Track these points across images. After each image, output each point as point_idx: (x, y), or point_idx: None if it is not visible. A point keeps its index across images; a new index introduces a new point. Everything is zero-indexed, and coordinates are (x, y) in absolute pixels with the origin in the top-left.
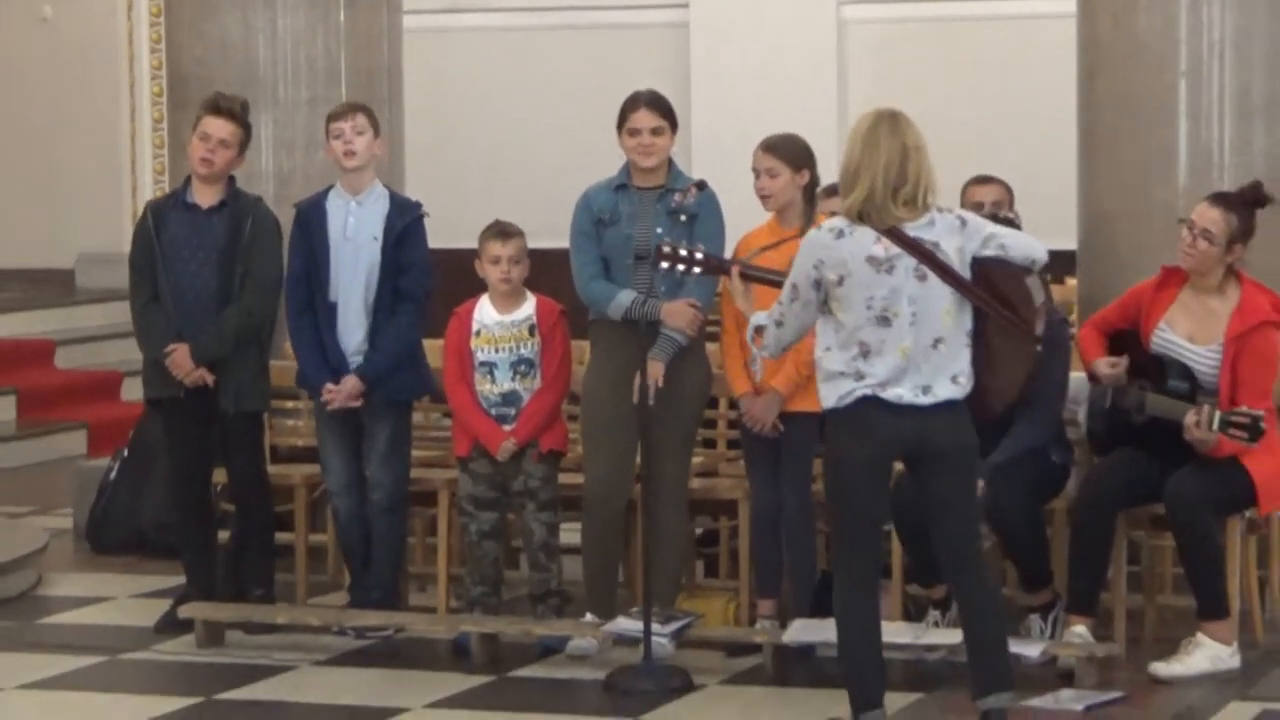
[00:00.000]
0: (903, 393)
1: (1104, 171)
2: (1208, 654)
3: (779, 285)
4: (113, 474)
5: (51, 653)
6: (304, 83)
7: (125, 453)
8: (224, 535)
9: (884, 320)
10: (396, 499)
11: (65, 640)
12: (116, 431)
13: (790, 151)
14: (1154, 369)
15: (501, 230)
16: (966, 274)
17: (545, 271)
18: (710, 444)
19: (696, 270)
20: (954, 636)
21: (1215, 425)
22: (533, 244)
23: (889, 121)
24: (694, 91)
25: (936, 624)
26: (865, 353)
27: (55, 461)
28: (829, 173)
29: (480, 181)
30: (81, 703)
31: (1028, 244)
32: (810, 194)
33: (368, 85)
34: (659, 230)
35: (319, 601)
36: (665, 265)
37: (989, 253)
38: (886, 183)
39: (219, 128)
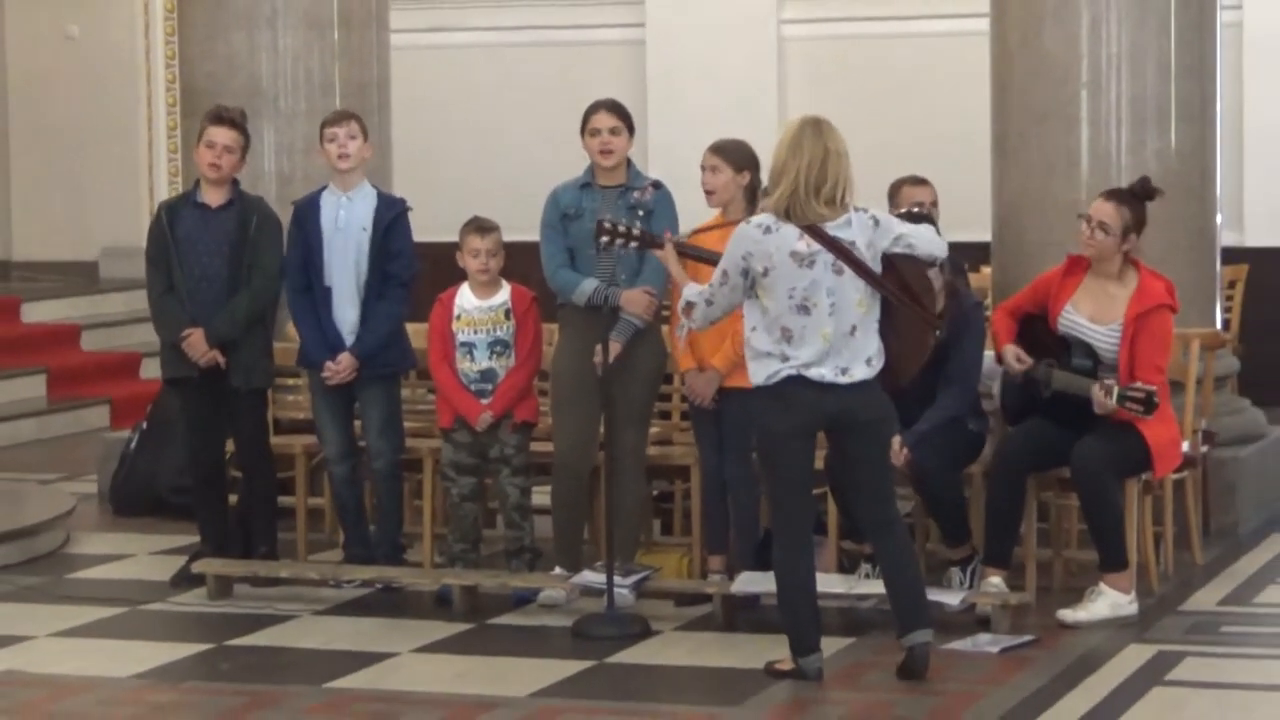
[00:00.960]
0: (824, 372)
1: (1014, 172)
2: (1109, 602)
3: (708, 262)
4: (133, 444)
5: (78, 604)
6: (302, 94)
7: (144, 425)
8: (233, 499)
9: (804, 309)
10: (395, 466)
11: (91, 593)
12: (136, 406)
13: (734, 154)
14: (1060, 348)
15: (480, 225)
16: (878, 267)
17: (518, 261)
18: (665, 415)
19: (634, 245)
20: (883, 587)
21: (1114, 399)
22: (506, 237)
23: (812, 127)
24: (649, 101)
25: (868, 575)
26: (789, 338)
27: (81, 433)
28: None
29: (460, 182)
30: (105, 649)
31: (931, 241)
32: (752, 194)
33: (359, 97)
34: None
35: (318, 558)
36: (605, 239)
37: (898, 250)
38: (808, 182)
39: (223, 135)
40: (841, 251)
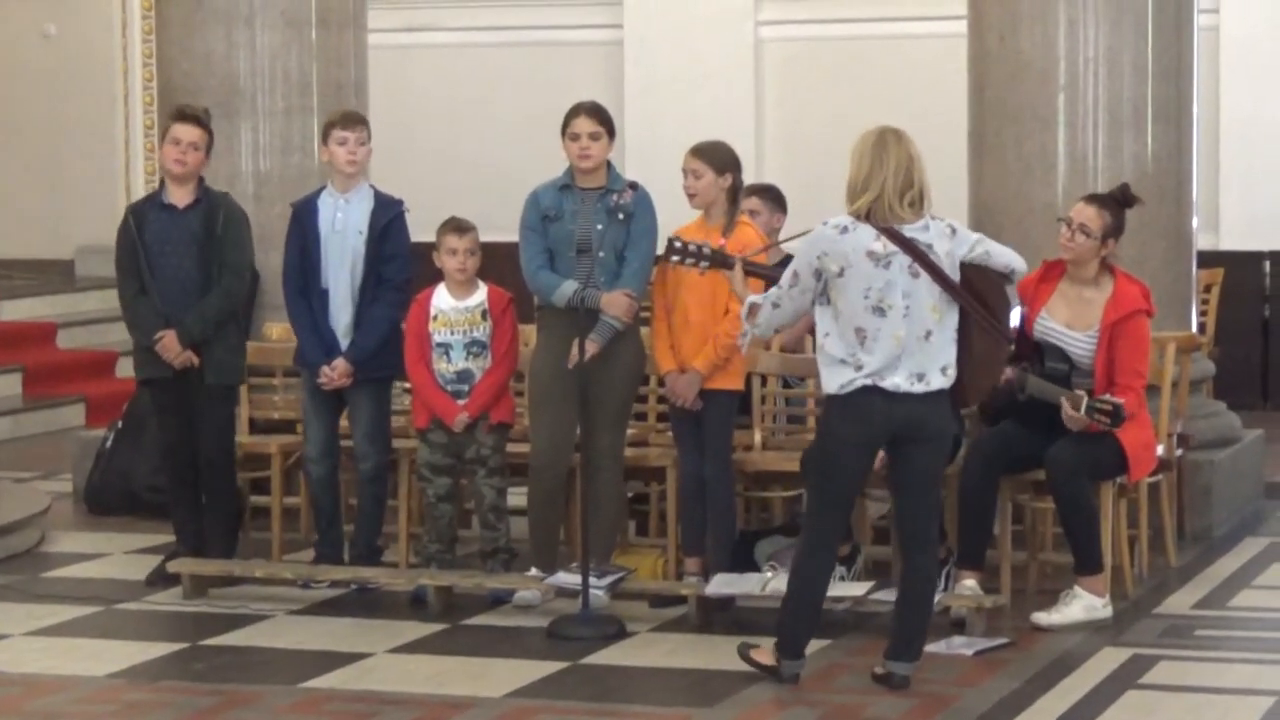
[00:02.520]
0: (899, 381)
1: (991, 174)
2: (1084, 604)
3: (769, 279)
4: (108, 443)
5: (54, 603)
6: (280, 94)
7: (120, 424)
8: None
9: (879, 310)
10: (381, 469)
11: (66, 592)
12: (112, 405)
13: (715, 156)
14: (1036, 353)
15: (458, 225)
16: (955, 276)
17: (495, 262)
18: (642, 417)
19: (704, 265)
20: (858, 590)
21: (1084, 410)
22: (484, 238)
23: (894, 135)
24: (627, 101)
25: (843, 578)
26: (863, 339)
27: (57, 432)
28: (750, 175)
29: (437, 182)
30: (80, 648)
31: (1008, 254)
32: (734, 195)
33: (337, 96)
34: (599, 227)
35: (293, 558)
36: (676, 259)
37: (974, 257)
38: (896, 187)
39: (187, 133)
40: (918, 254)
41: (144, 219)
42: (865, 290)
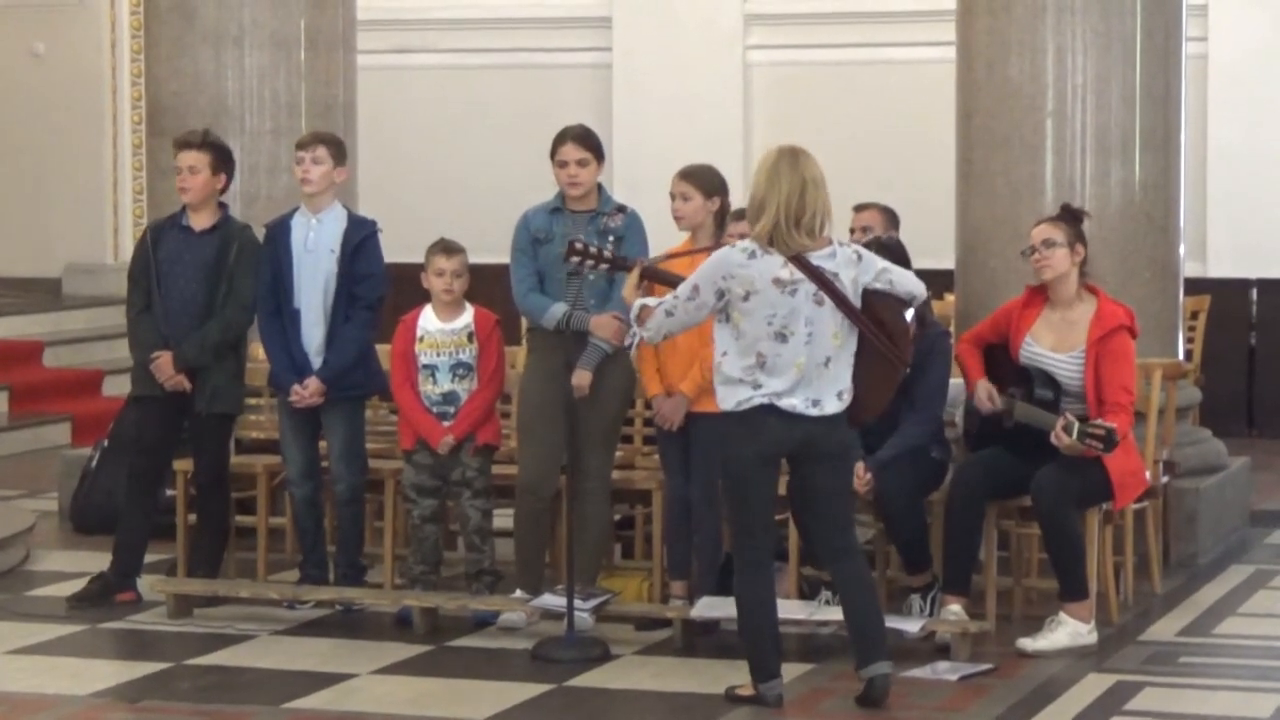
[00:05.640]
0: (796, 403)
1: (978, 200)
2: (1069, 631)
3: (675, 286)
4: (94, 462)
5: (38, 622)
6: (268, 114)
7: (105, 443)
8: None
9: (781, 336)
10: (357, 491)
11: (50, 611)
12: (98, 424)
13: (704, 180)
14: (1023, 379)
15: (446, 247)
16: (858, 303)
17: (484, 284)
18: (628, 439)
19: (603, 267)
20: (835, 613)
21: (1075, 435)
22: (472, 259)
23: (789, 157)
24: (615, 124)
25: (828, 602)
26: (762, 364)
27: (42, 450)
28: (739, 198)
29: (425, 203)
30: (63, 666)
31: (911, 281)
32: (721, 219)
33: (325, 117)
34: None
35: (278, 578)
36: (575, 260)
37: (878, 285)
38: (789, 213)
39: (185, 158)
40: (824, 283)
41: (161, 237)
42: (769, 316)
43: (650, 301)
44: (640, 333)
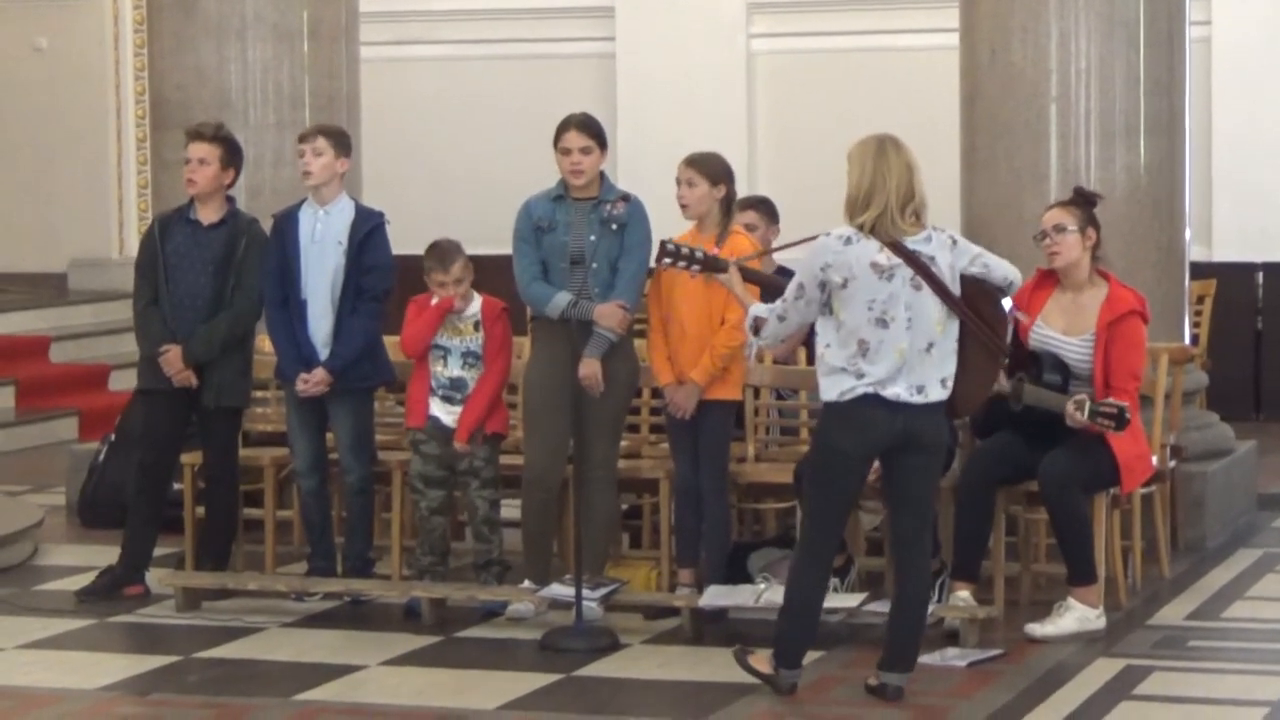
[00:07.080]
0: (900, 391)
1: (983, 186)
2: (1077, 616)
3: (768, 285)
4: (101, 456)
5: (47, 616)
6: (272, 107)
7: (112, 437)
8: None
9: (882, 322)
10: (366, 481)
11: (59, 605)
12: (105, 418)
13: (709, 167)
14: (1031, 362)
15: (440, 257)
16: (956, 289)
17: (487, 274)
18: (634, 428)
19: (696, 268)
20: (852, 601)
21: (1086, 414)
22: (476, 250)
23: (893, 145)
24: (619, 113)
25: (836, 590)
26: (864, 351)
27: (50, 445)
28: (743, 187)
29: (429, 194)
30: (72, 660)
31: (1006, 267)
32: (728, 206)
33: (328, 109)
34: (592, 238)
35: (286, 570)
36: (668, 261)
37: (974, 270)
38: (898, 201)
39: (195, 150)
40: (920, 267)
41: (168, 230)
42: (869, 302)
43: (763, 310)
44: (757, 342)
